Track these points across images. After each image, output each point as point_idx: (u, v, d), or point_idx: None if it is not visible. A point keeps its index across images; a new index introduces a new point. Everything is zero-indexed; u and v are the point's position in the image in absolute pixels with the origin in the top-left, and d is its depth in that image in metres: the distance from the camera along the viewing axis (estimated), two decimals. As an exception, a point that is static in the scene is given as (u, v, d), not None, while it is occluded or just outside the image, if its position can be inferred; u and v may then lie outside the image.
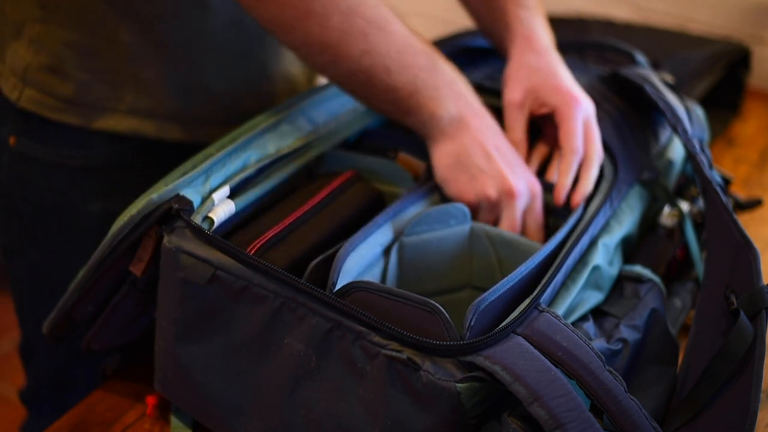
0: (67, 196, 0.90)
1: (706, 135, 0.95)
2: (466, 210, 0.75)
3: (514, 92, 0.84)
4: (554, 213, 0.80)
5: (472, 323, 0.61)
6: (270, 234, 0.70)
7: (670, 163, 0.87)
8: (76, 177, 0.89)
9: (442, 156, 0.77)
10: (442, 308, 0.61)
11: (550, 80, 0.84)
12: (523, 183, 0.77)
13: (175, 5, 0.84)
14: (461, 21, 1.01)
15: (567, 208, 0.78)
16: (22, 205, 0.92)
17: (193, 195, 0.70)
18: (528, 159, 0.84)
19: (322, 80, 0.85)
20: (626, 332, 0.70)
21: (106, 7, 0.83)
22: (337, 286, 0.65)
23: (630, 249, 0.81)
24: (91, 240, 0.75)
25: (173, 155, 0.80)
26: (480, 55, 0.97)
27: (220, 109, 0.91)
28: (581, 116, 0.82)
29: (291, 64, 0.95)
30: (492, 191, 0.76)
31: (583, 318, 0.70)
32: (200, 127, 0.90)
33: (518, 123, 0.84)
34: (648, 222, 0.84)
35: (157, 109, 0.88)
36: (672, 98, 0.88)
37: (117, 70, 0.86)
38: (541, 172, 0.84)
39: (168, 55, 0.86)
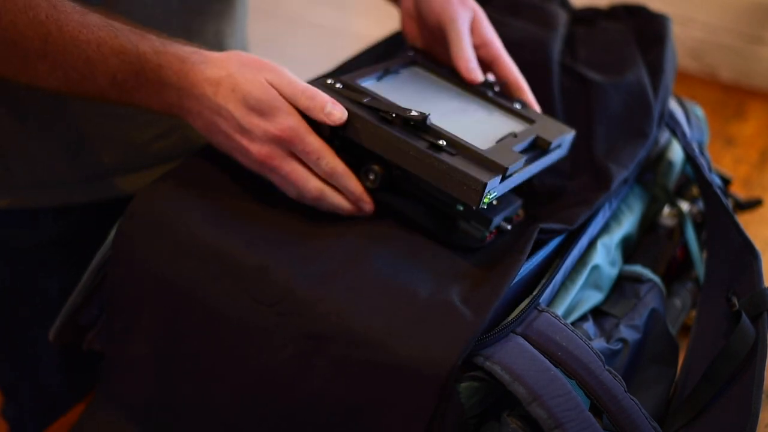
0: (16, 279, 0.88)
1: (705, 137, 0.95)
2: None
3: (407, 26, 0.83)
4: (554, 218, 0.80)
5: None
6: None
7: (669, 164, 0.87)
8: (23, 257, 0.87)
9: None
10: None
11: None
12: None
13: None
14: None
15: (566, 214, 0.78)
16: None
17: None
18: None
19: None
20: (626, 332, 0.70)
21: None
22: None
23: (630, 249, 0.81)
24: (55, 316, 0.74)
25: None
26: None
27: (131, 156, 0.87)
28: (466, 19, 0.77)
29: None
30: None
31: (583, 318, 0.70)
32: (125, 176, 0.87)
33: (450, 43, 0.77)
34: (648, 222, 0.84)
35: (62, 176, 0.84)
36: (671, 101, 0.88)
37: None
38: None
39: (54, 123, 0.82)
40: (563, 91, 0.85)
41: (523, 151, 0.68)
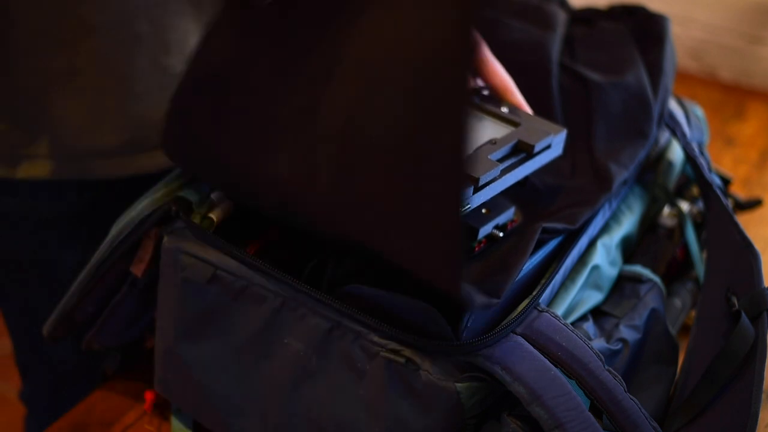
0: (39, 249, 0.88)
1: (705, 137, 0.95)
2: None
3: None
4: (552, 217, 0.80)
5: (469, 323, 0.61)
6: (271, 233, 0.70)
7: (669, 164, 0.87)
8: (47, 228, 0.87)
9: None
10: (436, 309, 0.60)
11: None
12: None
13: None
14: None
15: (568, 214, 0.78)
16: None
17: (192, 195, 0.70)
18: None
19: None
20: (626, 332, 0.70)
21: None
22: None
23: (630, 249, 0.81)
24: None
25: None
26: None
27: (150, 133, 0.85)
28: None
29: None
30: None
31: (583, 318, 0.70)
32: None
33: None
34: (648, 222, 0.84)
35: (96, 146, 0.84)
36: (671, 101, 0.88)
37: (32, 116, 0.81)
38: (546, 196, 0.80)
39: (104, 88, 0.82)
40: (563, 91, 0.85)
41: (504, 158, 0.67)
